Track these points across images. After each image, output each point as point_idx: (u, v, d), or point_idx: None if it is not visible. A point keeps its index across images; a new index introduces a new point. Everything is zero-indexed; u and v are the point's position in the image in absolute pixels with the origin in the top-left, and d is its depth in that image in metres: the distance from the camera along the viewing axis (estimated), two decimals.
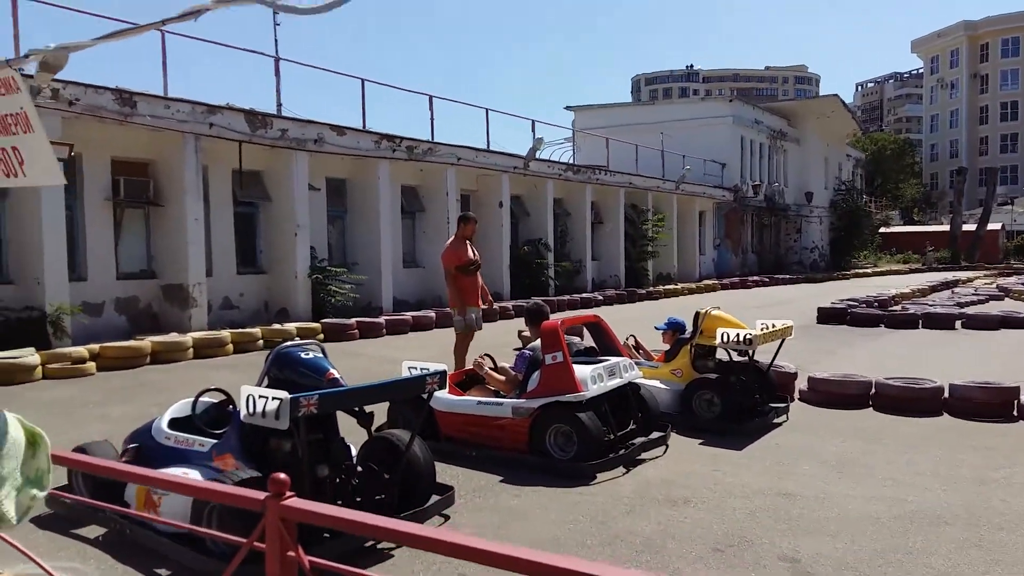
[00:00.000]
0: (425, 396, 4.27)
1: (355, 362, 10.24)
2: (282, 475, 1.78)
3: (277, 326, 12.57)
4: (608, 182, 24.31)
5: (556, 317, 6.08)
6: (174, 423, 4.65)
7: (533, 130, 22.62)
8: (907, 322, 15.22)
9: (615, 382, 5.76)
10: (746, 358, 7.20)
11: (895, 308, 17.62)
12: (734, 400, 6.73)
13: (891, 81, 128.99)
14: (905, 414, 7.34)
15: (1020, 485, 5.17)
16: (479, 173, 19.40)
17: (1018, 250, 48.03)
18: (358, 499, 4.19)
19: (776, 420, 7.04)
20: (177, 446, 4.44)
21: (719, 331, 6.77)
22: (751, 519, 4.58)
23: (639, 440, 5.82)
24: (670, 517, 4.60)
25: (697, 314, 7.28)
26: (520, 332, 12.13)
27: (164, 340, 10.83)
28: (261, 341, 11.89)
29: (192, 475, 4.15)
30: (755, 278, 30.59)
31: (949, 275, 33.07)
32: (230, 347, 11.44)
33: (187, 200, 12.57)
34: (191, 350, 10.96)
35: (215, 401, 4.82)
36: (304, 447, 3.80)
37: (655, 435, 5.98)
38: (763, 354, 7.31)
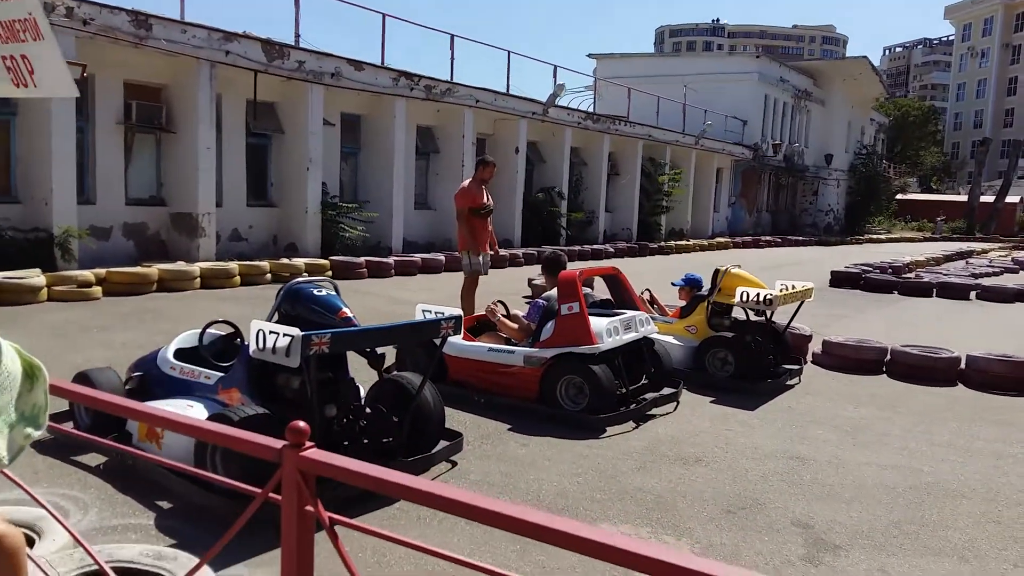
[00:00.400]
0: (439, 341, 4.14)
1: (363, 301, 10.14)
2: (301, 423, 1.64)
3: (285, 260, 12.46)
4: (627, 133, 23.86)
5: (573, 267, 5.92)
6: (180, 354, 4.56)
7: (554, 76, 22.18)
8: (921, 290, 15.03)
9: (630, 336, 5.63)
10: (763, 318, 7.06)
11: (909, 275, 17.40)
12: (748, 360, 6.61)
13: (920, 47, 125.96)
14: (920, 383, 7.22)
15: None
16: (497, 117, 19.02)
17: None
18: (365, 441, 4.10)
19: (789, 382, 6.93)
20: (182, 377, 4.34)
21: (739, 290, 6.61)
22: (763, 482, 4.48)
23: (651, 395, 5.71)
24: (681, 476, 4.51)
25: (716, 271, 7.11)
26: (531, 280, 12.01)
27: (171, 268, 10.73)
28: (269, 275, 11.79)
29: (197, 407, 4.07)
30: (768, 238, 30.30)
31: (964, 245, 32.63)
32: (237, 279, 11.35)
33: (200, 128, 12.34)
34: (198, 280, 10.86)
35: (223, 334, 4.72)
36: (313, 386, 3.69)
37: (667, 391, 5.87)
38: (778, 315, 7.16)
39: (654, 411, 5.71)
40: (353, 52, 15.08)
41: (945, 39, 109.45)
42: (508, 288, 12.08)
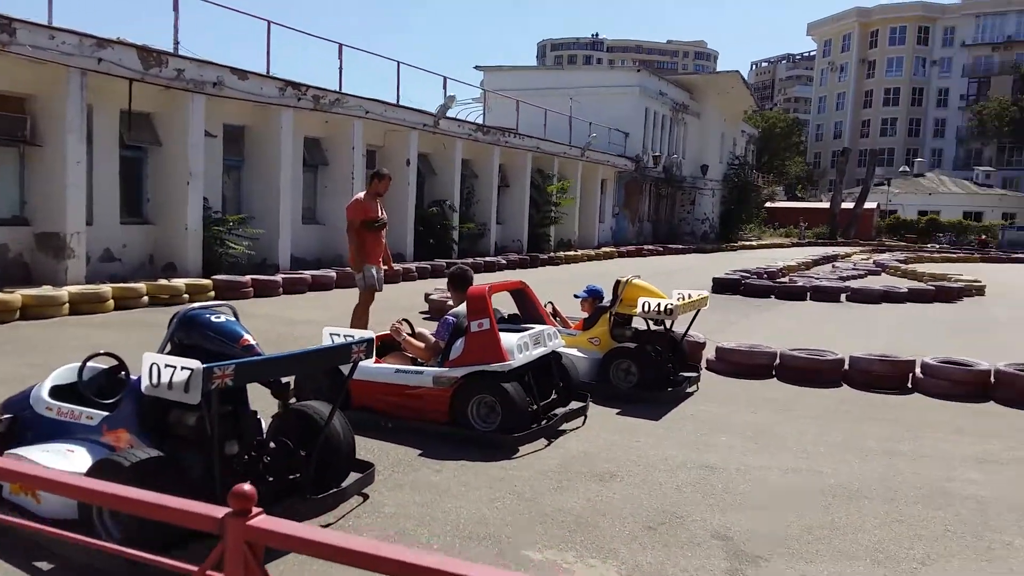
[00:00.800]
0: (350, 366, 3.94)
1: (250, 323, 9.56)
2: (246, 486, 1.44)
3: (164, 281, 11.73)
4: (516, 145, 24.04)
5: (481, 282, 5.82)
6: (56, 391, 4.13)
7: (444, 87, 21.99)
8: (797, 294, 15.85)
9: (540, 351, 5.58)
10: (662, 327, 7.19)
11: (783, 280, 18.31)
12: (650, 369, 6.70)
13: (784, 62, 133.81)
14: (808, 385, 7.54)
15: (927, 458, 5.34)
16: (387, 128, 18.71)
17: (890, 228, 51.13)
18: (270, 478, 3.84)
19: (689, 390, 7.07)
20: (60, 418, 3.93)
21: (640, 300, 6.70)
22: (678, 494, 4.51)
23: (561, 411, 5.68)
24: (598, 493, 4.47)
25: (617, 282, 7.19)
26: (428, 295, 11.82)
27: (36, 293, 9.88)
28: (146, 297, 11.07)
29: (78, 452, 3.70)
30: (650, 247, 31.22)
31: (829, 250, 34.76)
32: (111, 303, 10.58)
33: (69, 141, 11.46)
34: (67, 305, 10.04)
35: (105, 367, 4.32)
36: (214, 422, 3.42)
37: (575, 405, 5.86)
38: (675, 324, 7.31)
39: (564, 426, 5.67)
40: (237, 61, 14.43)
41: (807, 55, 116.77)
42: (404, 304, 11.86)
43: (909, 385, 7.55)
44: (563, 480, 4.66)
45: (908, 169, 63.51)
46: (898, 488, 4.72)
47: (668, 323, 6.98)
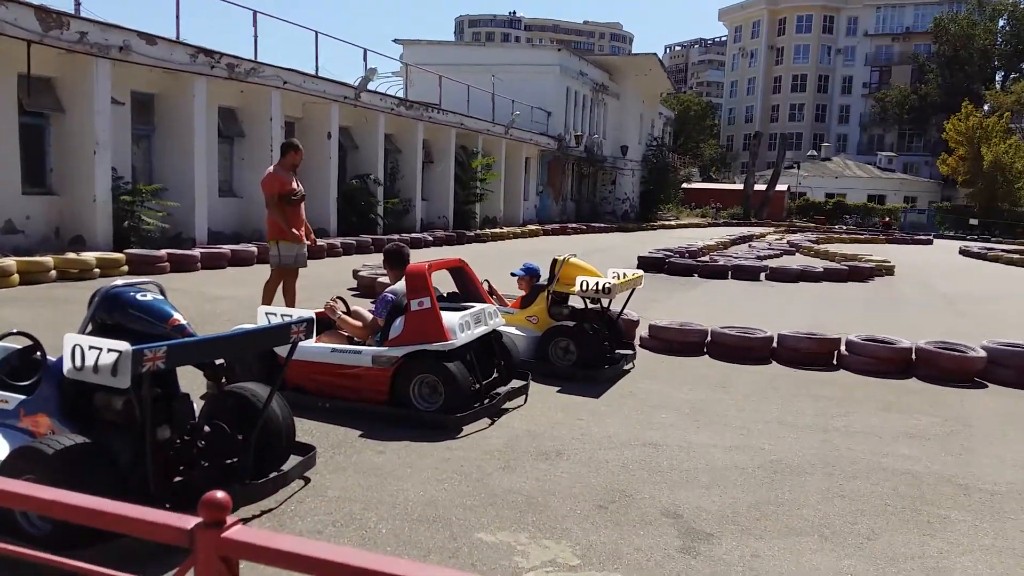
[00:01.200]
0: (289, 347, 3.72)
1: (171, 299, 9.19)
2: (219, 493, 1.26)
3: (72, 255, 11.05)
4: (440, 121, 23.69)
5: (425, 261, 5.64)
6: None
7: (365, 59, 21.50)
8: (718, 272, 16.20)
9: (481, 329, 5.46)
10: (598, 306, 7.17)
11: (705, 259, 18.70)
12: (589, 348, 6.68)
13: (696, 46, 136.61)
14: (739, 362, 7.68)
15: (859, 434, 5.49)
16: (306, 100, 18.10)
17: (800, 210, 53.05)
18: (205, 464, 3.61)
19: (625, 367, 7.10)
20: None
21: (579, 279, 6.65)
22: (625, 471, 4.49)
23: (503, 390, 5.58)
24: (546, 472, 4.41)
25: (555, 261, 7.12)
26: (356, 272, 11.52)
27: None
28: (54, 272, 10.41)
29: None
30: (574, 225, 31.46)
31: (744, 230, 35.75)
32: (15, 278, 9.90)
33: None
34: None
35: (17, 347, 3.97)
36: (146, 407, 3.17)
37: (516, 384, 5.78)
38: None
39: (506, 405, 5.59)
40: (146, 27, 13.58)
41: (719, 40, 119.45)
42: (331, 280, 11.54)
43: (834, 362, 7.78)
44: (510, 460, 4.57)
45: (816, 153, 65.97)
46: (836, 464, 4.83)
47: (606, 302, 6.96)
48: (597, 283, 6.61)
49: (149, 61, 13.62)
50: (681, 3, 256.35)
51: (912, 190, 59.35)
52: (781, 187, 52.54)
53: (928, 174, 64.38)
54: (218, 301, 9.52)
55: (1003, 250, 27.84)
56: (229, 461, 3.70)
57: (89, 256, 11.05)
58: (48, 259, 10.47)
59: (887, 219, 49.47)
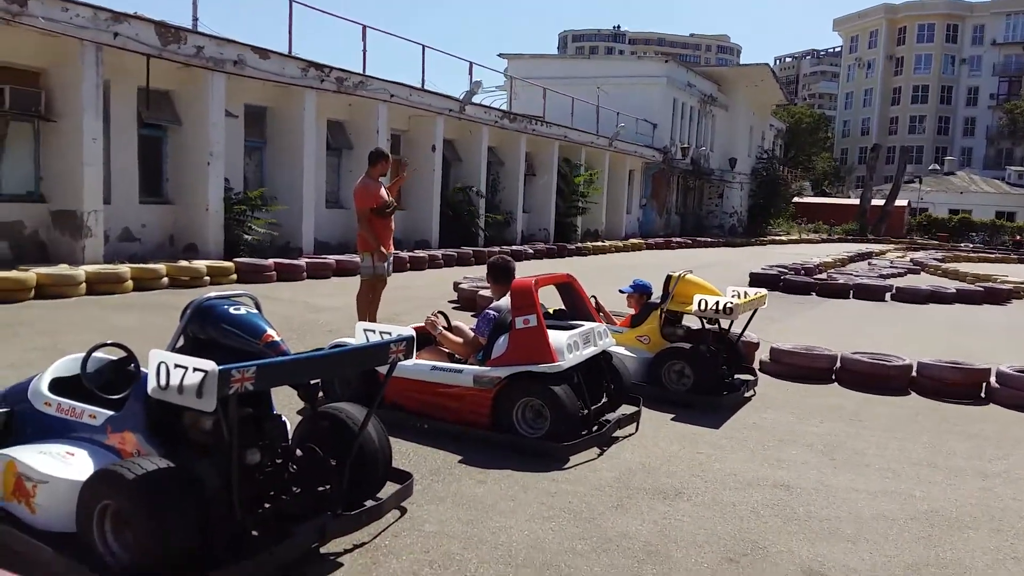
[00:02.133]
0: (387, 367, 3.42)
1: (275, 308, 9.19)
2: None
3: (184, 263, 11.28)
4: (543, 133, 23.44)
5: (526, 274, 5.28)
6: (58, 384, 3.64)
7: (470, 72, 21.43)
8: (839, 292, 15.17)
9: (590, 350, 5.04)
10: (716, 327, 6.62)
11: (822, 276, 17.63)
12: (707, 372, 6.14)
13: (808, 57, 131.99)
14: (872, 391, 6.96)
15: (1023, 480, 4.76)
16: (412, 113, 18.19)
17: (921, 226, 50.02)
18: (296, 490, 3.34)
19: (746, 395, 6.51)
20: (60, 415, 3.44)
21: (696, 297, 6.13)
22: (756, 518, 3.97)
23: (612, 416, 5.13)
24: (665, 515, 3.93)
25: (669, 277, 6.63)
26: (457, 284, 11.30)
27: (52, 272, 9.46)
28: (166, 279, 10.64)
29: (79, 456, 3.21)
30: (679, 239, 30.57)
31: (861, 247, 33.89)
32: (129, 284, 10.16)
33: (85, 117, 11.04)
34: (83, 285, 9.62)
35: (112, 359, 3.83)
36: (233, 429, 2.92)
37: (628, 410, 5.32)
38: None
39: (617, 433, 5.13)
40: (258, 40, 13.94)
41: (832, 50, 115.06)
42: (432, 293, 11.38)
43: (983, 395, 6.94)
44: (623, 498, 4.12)
45: (938, 167, 62.16)
46: (1003, 517, 4.15)
47: (726, 323, 6.40)
48: (717, 302, 6.07)
49: (262, 75, 13.91)
50: (792, 14, 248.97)
51: None
52: (901, 202, 49.67)
53: None
54: (321, 311, 9.46)
55: None
56: (321, 488, 3.41)
57: (200, 264, 11.28)
58: (160, 266, 10.72)
59: (1019, 237, 46.01)
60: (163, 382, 2.72)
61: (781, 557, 3.53)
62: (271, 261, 12.35)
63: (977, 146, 72.26)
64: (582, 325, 5.21)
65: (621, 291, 7.15)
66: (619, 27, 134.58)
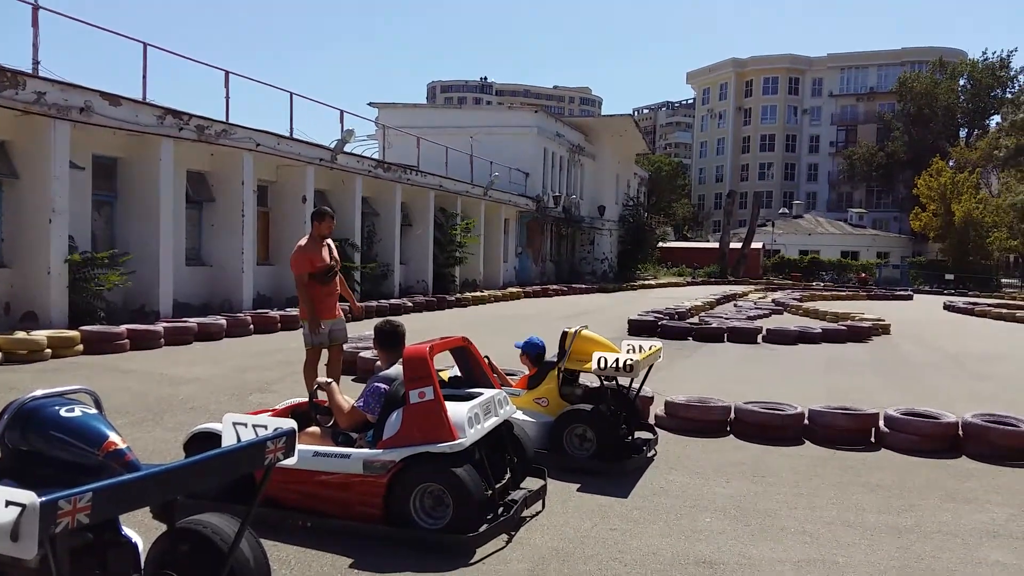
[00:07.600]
0: (264, 470, 2.85)
1: (126, 383, 8.21)
2: None
3: (22, 334, 9.99)
4: (419, 183, 23.10)
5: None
6: None
7: (341, 120, 20.85)
8: (714, 336, 15.48)
9: (492, 421, 4.60)
10: (614, 383, 6.34)
11: (695, 321, 18.03)
12: (609, 435, 5.83)
13: (664, 109, 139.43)
14: (767, 443, 6.87)
15: (936, 535, 4.67)
16: (280, 163, 17.39)
17: (776, 267, 53.06)
18: None
19: (649, 455, 6.24)
20: None
21: (596, 355, 5.82)
22: None
23: (518, 494, 4.68)
24: None
25: (564, 334, 6.33)
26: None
27: None
28: (0, 353, 9.37)
29: None
30: (555, 287, 30.81)
31: (725, 289, 35.36)
32: None
33: None
34: None
35: None
36: (64, 566, 2.27)
37: (533, 484, 4.88)
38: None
39: (524, 513, 4.69)
40: (110, 86, 12.90)
41: (685, 102, 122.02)
42: (298, 356, 10.58)
43: (872, 439, 7.00)
44: None
45: (787, 211, 66.57)
46: None
47: (629, 381, 6.14)
48: (617, 359, 5.79)
49: (113, 123, 12.84)
50: (648, 67, 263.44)
51: (884, 245, 59.91)
52: (756, 244, 52.60)
53: (898, 229, 65.22)
54: (181, 384, 8.54)
55: (988, 305, 27.57)
56: None
57: (40, 335, 10.02)
58: None
59: (863, 275, 49.59)
60: None
61: None
62: (123, 328, 11.18)
63: (821, 190, 78.00)
64: (481, 393, 4.77)
65: (517, 346, 6.76)
66: (486, 78, 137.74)
